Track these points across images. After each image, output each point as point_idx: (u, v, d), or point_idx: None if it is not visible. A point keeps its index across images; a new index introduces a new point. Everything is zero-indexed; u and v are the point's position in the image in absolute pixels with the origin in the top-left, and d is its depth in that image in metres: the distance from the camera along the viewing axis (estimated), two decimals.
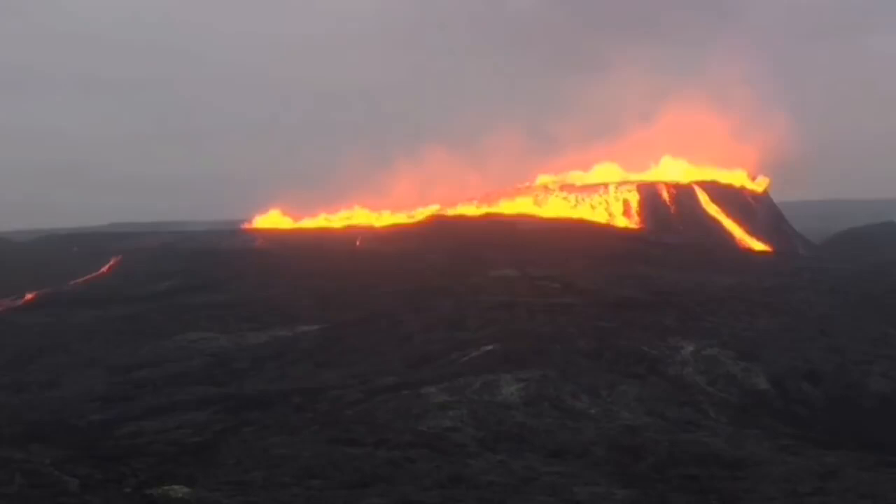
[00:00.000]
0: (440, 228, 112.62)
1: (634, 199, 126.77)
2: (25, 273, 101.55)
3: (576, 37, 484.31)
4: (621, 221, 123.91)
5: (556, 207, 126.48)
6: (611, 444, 40.78)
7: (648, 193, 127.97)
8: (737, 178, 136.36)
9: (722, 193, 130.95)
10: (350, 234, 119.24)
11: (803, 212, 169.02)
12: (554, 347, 53.95)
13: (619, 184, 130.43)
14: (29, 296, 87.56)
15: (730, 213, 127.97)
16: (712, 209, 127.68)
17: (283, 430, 41.77)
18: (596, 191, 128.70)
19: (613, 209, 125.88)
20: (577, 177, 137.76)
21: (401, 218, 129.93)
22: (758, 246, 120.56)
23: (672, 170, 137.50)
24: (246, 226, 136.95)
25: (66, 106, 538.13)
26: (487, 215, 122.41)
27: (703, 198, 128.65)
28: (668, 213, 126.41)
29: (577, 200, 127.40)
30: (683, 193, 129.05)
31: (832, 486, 36.14)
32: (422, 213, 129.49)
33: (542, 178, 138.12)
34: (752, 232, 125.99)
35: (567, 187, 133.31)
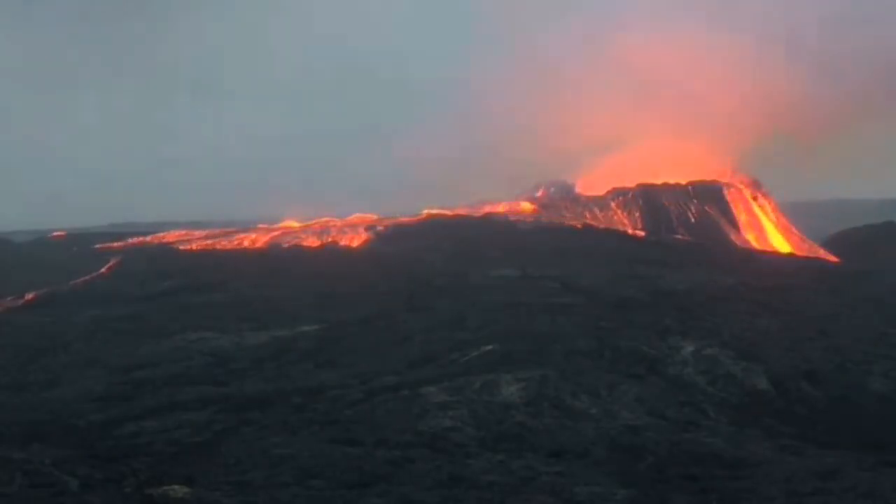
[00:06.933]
0: (440, 228, 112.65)
1: (634, 199, 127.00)
2: (25, 273, 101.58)
3: None
4: (622, 222, 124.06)
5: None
6: (611, 444, 40.79)
7: (648, 194, 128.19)
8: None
9: (720, 194, 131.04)
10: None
11: (804, 211, 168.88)
12: (554, 347, 53.93)
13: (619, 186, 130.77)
14: (29, 296, 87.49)
15: (729, 213, 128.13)
16: (712, 209, 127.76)
17: (283, 430, 41.78)
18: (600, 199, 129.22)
19: (614, 210, 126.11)
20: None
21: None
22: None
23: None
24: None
25: None
26: (487, 215, 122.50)
27: (704, 198, 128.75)
28: (668, 213, 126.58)
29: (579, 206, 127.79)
30: (683, 194, 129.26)
31: (832, 486, 36.11)
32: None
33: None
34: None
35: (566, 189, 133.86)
